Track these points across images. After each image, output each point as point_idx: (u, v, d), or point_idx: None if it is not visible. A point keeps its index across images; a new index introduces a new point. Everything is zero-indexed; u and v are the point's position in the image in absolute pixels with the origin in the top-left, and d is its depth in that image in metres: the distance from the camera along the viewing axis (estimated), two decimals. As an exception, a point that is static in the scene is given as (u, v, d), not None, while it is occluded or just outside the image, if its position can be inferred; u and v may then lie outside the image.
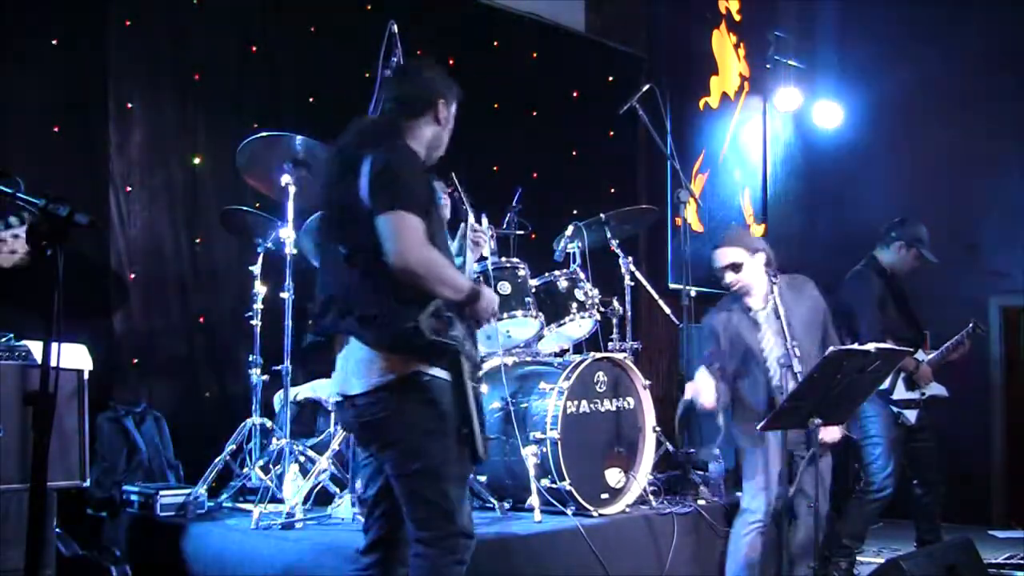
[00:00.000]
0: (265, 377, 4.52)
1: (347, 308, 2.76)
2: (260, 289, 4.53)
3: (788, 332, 4.04)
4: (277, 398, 4.61)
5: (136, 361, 4.83)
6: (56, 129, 4.62)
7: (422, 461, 2.73)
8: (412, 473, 2.76)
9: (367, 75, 4.29)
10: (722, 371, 4.21)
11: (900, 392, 5.12)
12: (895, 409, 5.09)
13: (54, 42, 4.61)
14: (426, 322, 2.65)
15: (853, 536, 5.12)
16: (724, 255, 4.29)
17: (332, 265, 2.85)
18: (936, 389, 5.22)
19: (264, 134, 4.40)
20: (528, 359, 4.64)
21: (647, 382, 4.58)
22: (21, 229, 2.57)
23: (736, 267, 4.25)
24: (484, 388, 3.32)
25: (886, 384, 5.00)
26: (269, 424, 4.48)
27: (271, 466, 4.28)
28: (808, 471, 4.05)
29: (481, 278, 2.97)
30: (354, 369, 2.78)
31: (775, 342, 4.16)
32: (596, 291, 4.68)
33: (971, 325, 5.27)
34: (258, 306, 4.52)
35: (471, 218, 3.51)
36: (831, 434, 4.14)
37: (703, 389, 4.11)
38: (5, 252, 2.58)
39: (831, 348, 3.76)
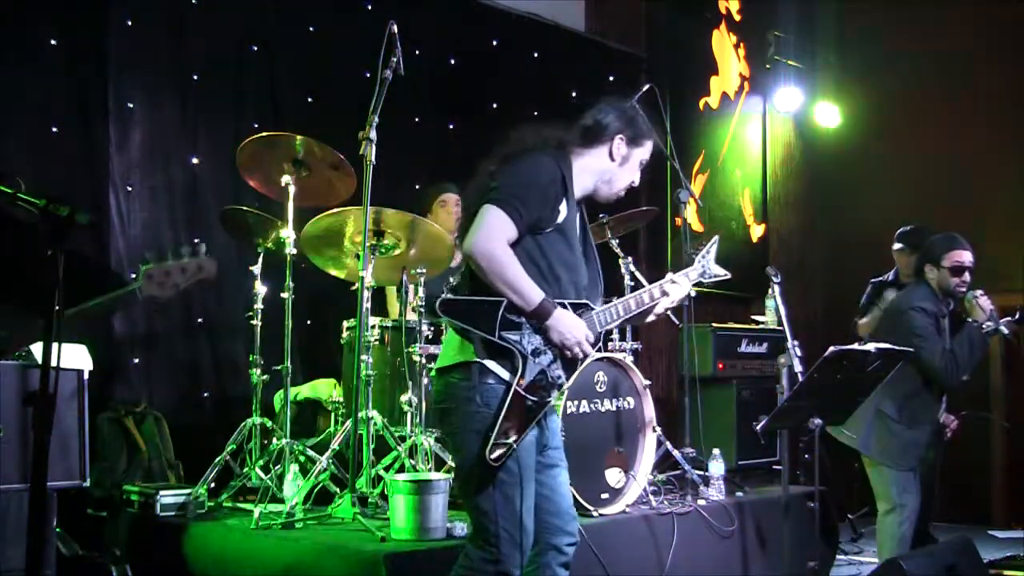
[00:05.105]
0: (265, 377, 4.52)
1: (453, 293, 2.95)
2: (260, 289, 4.53)
3: (789, 331, 4.04)
4: (277, 398, 4.62)
5: (136, 361, 4.83)
6: (56, 129, 4.62)
7: (466, 458, 2.77)
8: (458, 468, 2.84)
9: (367, 75, 4.29)
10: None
11: None
12: None
13: (54, 42, 4.61)
14: (451, 300, 2.76)
15: None
16: (971, 257, 4.46)
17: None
18: None
19: (264, 134, 4.41)
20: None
21: (647, 382, 4.57)
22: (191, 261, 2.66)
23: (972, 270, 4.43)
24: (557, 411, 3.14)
25: None
26: (269, 424, 4.48)
27: (271, 466, 4.29)
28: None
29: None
30: (441, 349, 2.91)
31: None
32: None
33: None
34: (258, 306, 4.52)
35: (677, 280, 3.21)
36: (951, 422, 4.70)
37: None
38: (169, 284, 2.67)
39: (831, 348, 3.76)
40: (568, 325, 2.80)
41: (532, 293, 2.76)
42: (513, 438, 2.72)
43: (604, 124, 3.01)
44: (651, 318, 3.22)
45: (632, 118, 3.05)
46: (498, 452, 2.70)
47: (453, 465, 2.87)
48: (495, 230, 2.74)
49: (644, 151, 3.10)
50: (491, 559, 2.74)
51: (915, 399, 4.40)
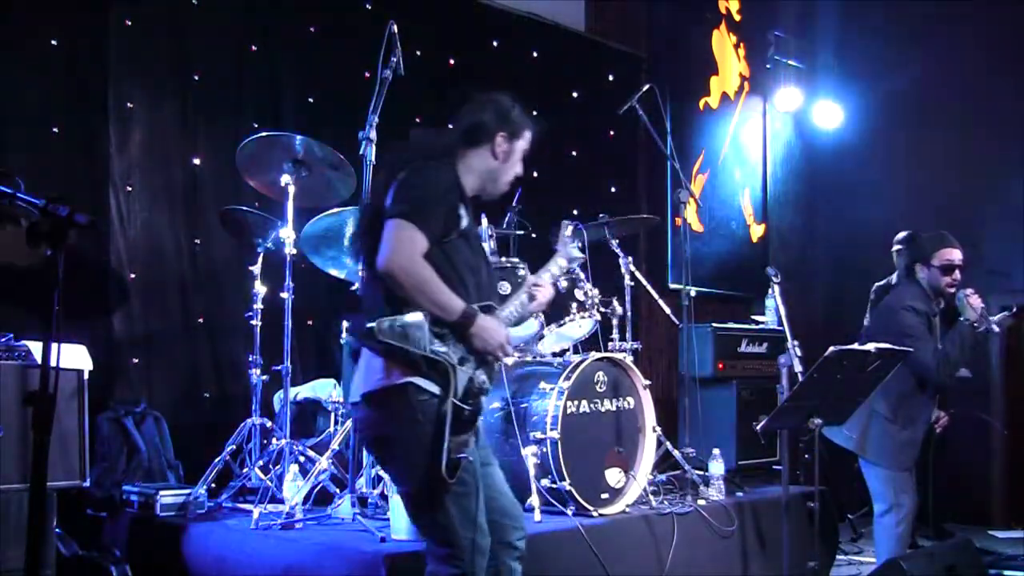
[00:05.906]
0: (265, 377, 4.52)
1: (363, 312, 2.81)
2: (260, 289, 4.53)
3: (789, 331, 4.05)
4: (277, 398, 4.61)
5: (136, 361, 4.83)
6: (56, 129, 4.62)
7: (414, 482, 2.74)
8: (406, 492, 2.81)
9: (367, 75, 4.29)
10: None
11: None
12: None
13: (54, 42, 4.61)
14: (385, 323, 2.67)
15: None
16: (960, 256, 4.43)
17: (364, 271, 2.90)
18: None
19: (264, 134, 4.41)
20: (528, 359, 4.64)
21: (647, 382, 4.57)
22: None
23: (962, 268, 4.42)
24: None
25: None
26: (269, 424, 4.48)
27: (271, 466, 4.29)
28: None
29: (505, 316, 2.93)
30: (358, 375, 2.80)
31: None
32: (596, 291, 4.68)
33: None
34: (258, 306, 4.52)
35: (550, 271, 3.25)
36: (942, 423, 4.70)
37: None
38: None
39: (831, 348, 3.76)
40: (490, 331, 2.80)
41: (453, 304, 2.74)
42: (462, 451, 2.71)
43: (483, 124, 2.98)
44: (535, 307, 3.19)
45: (507, 112, 3.02)
46: (451, 468, 2.68)
47: (400, 491, 2.81)
48: (408, 245, 2.69)
49: (525, 141, 3.07)
50: (460, 573, 2.73)
51: (910, 399, 4.40)
